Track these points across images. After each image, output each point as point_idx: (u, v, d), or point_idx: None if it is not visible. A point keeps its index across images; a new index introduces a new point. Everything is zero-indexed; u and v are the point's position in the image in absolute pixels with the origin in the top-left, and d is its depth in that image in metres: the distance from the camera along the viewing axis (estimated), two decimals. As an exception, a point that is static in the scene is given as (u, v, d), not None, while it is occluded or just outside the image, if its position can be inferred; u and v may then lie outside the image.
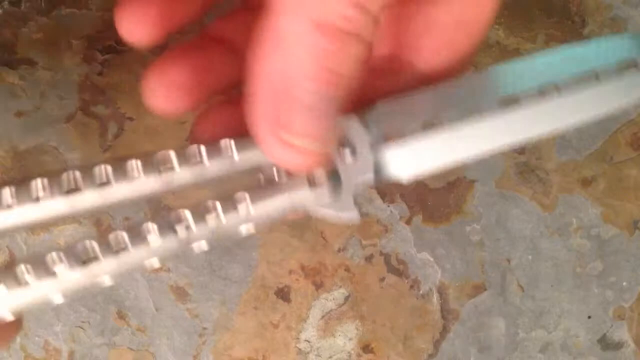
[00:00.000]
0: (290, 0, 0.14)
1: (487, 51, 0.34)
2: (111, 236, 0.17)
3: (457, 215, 0.34)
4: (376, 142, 0.18)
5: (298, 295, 0.33)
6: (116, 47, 0.32)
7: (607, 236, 0.34)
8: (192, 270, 0.33)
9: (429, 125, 0.18)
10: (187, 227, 0.17)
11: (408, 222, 0.34)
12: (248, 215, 0.17)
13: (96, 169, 0.17)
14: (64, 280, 0.16)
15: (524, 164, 0.34)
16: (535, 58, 0.20)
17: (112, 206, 0.17)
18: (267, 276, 0.33)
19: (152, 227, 0.17)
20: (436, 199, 0.34)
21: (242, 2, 0.20)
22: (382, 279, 0.34)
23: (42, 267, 0.16)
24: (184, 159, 0.17)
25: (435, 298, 0.34)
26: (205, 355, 0.33)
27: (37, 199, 0.16)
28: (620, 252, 0.34)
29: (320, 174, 0.18)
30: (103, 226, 0.32)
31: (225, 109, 0.19)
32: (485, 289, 0.34)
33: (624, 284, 0.34)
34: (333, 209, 0.18)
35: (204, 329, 0.33)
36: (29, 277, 0.16)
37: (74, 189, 0.16)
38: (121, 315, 0.32)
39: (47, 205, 0.16)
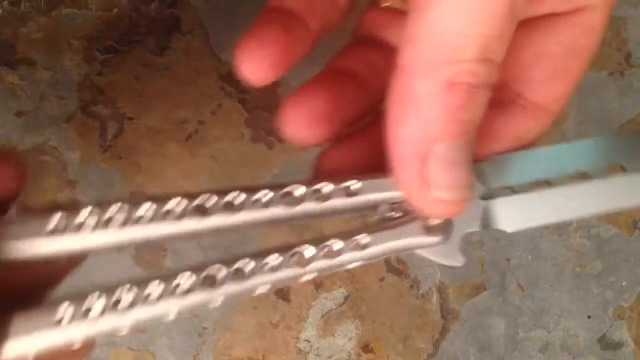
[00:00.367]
0: (420, 62, 0.15)
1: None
2: (239, 263, 0.17)
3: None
4: (488, 194, 0.19)
5: (298, 295, 0.33)
6: (116, 47, 0.32)
7: (607, 236, 0.34)
8: (192, 270, 0.33)
9: (539, 184, 0.20)
10: (308, 261, 0.18)
11: (408, 222, 0.34)
12: (364, 255, 0.18)
13: (230, 196, 0.17)
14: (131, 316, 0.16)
15: (524, 164, 0.34)
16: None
17: (236, 229, 0.18)
18: (267, 276, 0.33)
19: (275, 257, 0.18)
20: (436, 199, 0.34)
21: (354, 37, 0.21)
22: (382, 279, 0.34)
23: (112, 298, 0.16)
24: (311, 193, 0.18)
25: (435, 298, 0.34)
26: (205, 355, 0.33)
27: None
28: (620, 252, 0.34)
29: (437, 221, 0.19)
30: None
31: (350, 142, 0.20)
32: (485, 289, 0.34)
33: (624, 284, 0.34)
34: (438, 254, 0.19)
35: (204, 329, 0.33)
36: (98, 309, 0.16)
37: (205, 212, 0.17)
38: (121, 315, 0.32)
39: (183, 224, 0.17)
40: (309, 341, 0.33)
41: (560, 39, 0.19)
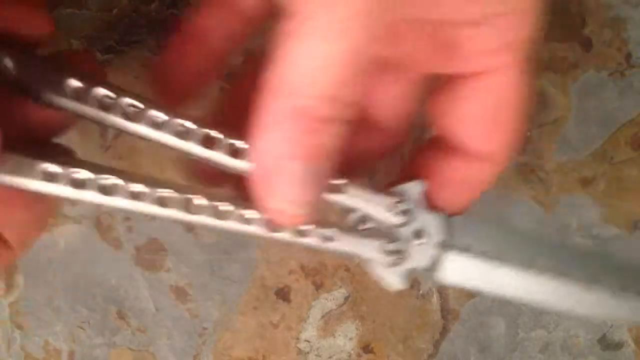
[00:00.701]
0: (281, 84, 0.17)
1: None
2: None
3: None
4: (448, 245, 0.21)
5: (298, 295, 0.33)
6: (116, 47, 0.32)
7: (607, 236, 0.34)
8: (192, 270, 0.33)
9: (493, 256, 0.22)
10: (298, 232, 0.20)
11: (408, 222, 0.34)
12: (327, 246, 0.20)
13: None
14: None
15: (524, 164, 0.34)
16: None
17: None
18: (267, 276, 0.33)
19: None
20: (436, 199, 0.34)
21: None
22: (382, 279, 0.34)
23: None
24: None
25: (435, 298, 0.34)
26: (205, 355, 0.33)
27: None
28: (620, 252, 0.34)
29: (393, 246, 0.21)
30: (103, 226, 0.32)
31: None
32: (485, 289, 0.34)
33: (624, 284, 0.34)
34: (383, 273, 0.22)
35: (204, 329, 0.33)
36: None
37: None
38: (121, 315, 0.32)
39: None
40: (309, 341, 0.33)
41: (484, 96, 0.20)
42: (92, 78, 0.19)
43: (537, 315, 0.34)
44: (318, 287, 0.33)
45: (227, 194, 0.21)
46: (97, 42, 0.32)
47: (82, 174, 0.18)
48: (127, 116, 0.19)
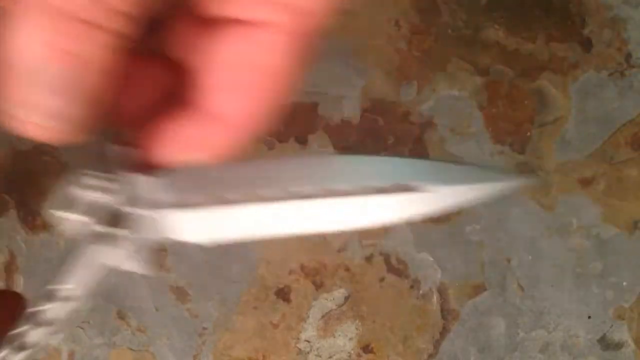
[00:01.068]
0: None
1: (487, 51, 0.34)
2: None
3: (457, 215, 0.34)
4: (167, 205, 0.19)
5: (298, 295, 0.33)
6: (116, 47, 0.32)
7: (607, 236, 0.34)
8: (192, 270, 0.33)
9: (220, 200, 0.20)
10: None
11: (408, 222, 0.34)
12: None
13: None
14: None
15: (524, 164, 0.34)
16: (338, 160, 0.20)
17: None
18: (267, 276, 0.33)
19: None
20: (436, 199, 0.34)
21: None
22: (382, 279, 0.34)
23: None
24: None
25: (435, 298, 0.34)
26: (205, 355, 0.33)
27: None
28: (620, 252, 0.34)
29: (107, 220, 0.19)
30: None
31: None
32: (485, 289, 0.34)
33: (624, 284, 0.34)
34: (127, 263, 0.19)
35: (204, 329, 0.33)
36: None
37: None
38: (121, 315, 0.32)
39: None
40: (309, 341, 0.33)
41: (238, 49, 0.18)
42: None
43: (537, 315, 0.34)
44: (318, 287, 0.33)
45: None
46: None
47: None
48: None
